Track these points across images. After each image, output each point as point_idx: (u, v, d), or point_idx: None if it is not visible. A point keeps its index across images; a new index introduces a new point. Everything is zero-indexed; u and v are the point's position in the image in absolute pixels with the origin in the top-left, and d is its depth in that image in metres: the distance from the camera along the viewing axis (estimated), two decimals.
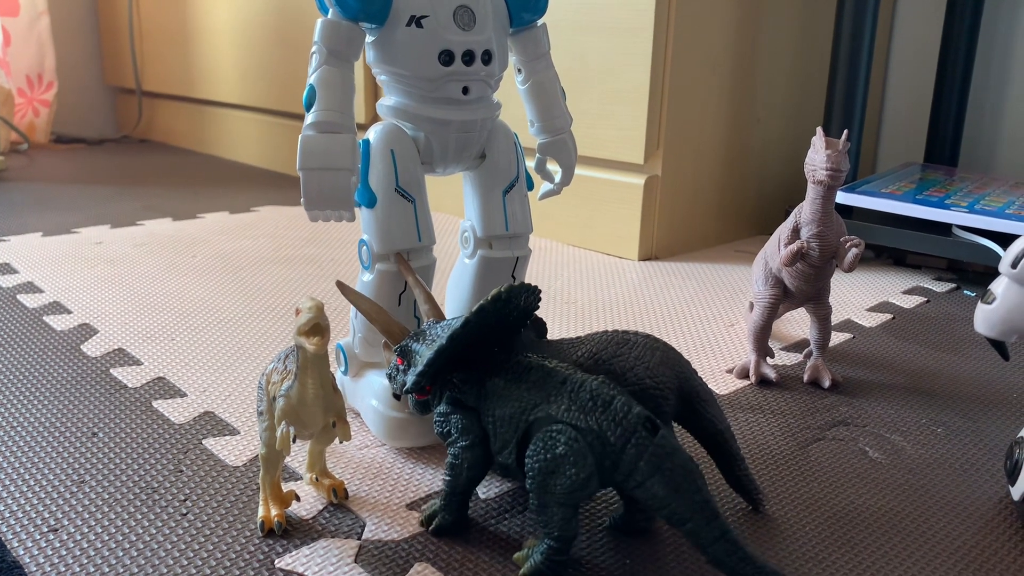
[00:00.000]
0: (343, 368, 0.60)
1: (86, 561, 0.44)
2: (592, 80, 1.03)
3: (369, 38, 0.53)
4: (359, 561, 0.44)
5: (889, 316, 0.85)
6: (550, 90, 0.60)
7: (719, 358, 0.73)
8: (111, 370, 0.68)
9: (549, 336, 0.73)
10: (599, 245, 1.08)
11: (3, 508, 0.48)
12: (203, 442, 0.57)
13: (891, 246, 0.99)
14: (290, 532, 0.47)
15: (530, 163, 0.62)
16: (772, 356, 0.70)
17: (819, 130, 0.64)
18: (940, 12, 1.22)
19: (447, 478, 0.45)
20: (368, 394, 0.57)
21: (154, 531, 0.46)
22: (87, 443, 0.56)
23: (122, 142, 2.01)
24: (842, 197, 1.00)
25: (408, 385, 0.45)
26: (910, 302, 0.90)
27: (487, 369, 0.44)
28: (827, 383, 0.67)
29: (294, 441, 0.44)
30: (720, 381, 0.68)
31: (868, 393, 0.67)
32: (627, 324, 0.81)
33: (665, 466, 0.39)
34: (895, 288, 0.95)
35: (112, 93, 2.12)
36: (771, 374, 0.68)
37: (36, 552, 0.45)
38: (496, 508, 0.49)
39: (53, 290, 0.88)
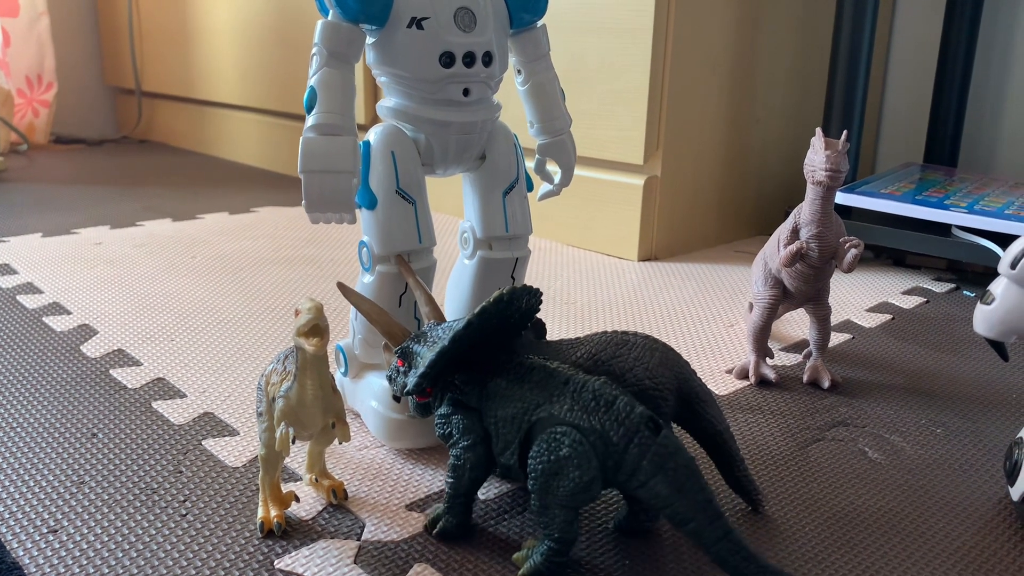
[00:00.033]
0: (343, 369, 0.60)
1: (86, 562, 0.44)
2: (592, 80, 1.03)
3: (369, 39, 0.53)
4: (359, 562, 0.44)
5: (888, 317, 0.85)
6: (550, 91, 0.60)
7: (718, 359, 0.73)
8: (111, 371, 0.68)
9: (548, 337, 0.73)
10: (599, 246, 1.08)
11: (3, 509, 0.49)
12: (203, 443, 0.57)
13: (890, 246, 0.99)
14: (290, 533, 0.47)
15: (529, 164, 0.62)
16: (772, 357, 0.70)
17: (818, 131, 0.64)
18: (940, 12, 1.22)
19: (450, 480, 0.45)
20: (368, 395, 0.57)
21: (154, 532, 0.47)
22: (87, 444, 0.56)
23: (122, 143, 2.02)
24: (841, 197, 1.00)
25: (409, 386, 0.45)
26: (909, 303, 0.90)
27: (489, 370, 0.44)
28: (826, 384, 0.67)
29: (293, 442, 0.44)
30: (719, 382, 0.68)
31: (867, 394, 0.67)
32: (627, 325, 0.81)
33: (668, 466, 0.39)
34: (894, 289, 0.95)
35: (112, 93, 2.12)
36: (770, 375, 0.68)
37: (36, 553, 0.45)
38: (495, 509, 0.50)
39: (53, 291, 0.88)
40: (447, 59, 0.52)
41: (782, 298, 0.68)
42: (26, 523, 0.47)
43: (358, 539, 0.46)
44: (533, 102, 0.60)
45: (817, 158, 0.63)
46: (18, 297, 0.86)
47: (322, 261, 1.01)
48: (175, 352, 0.72)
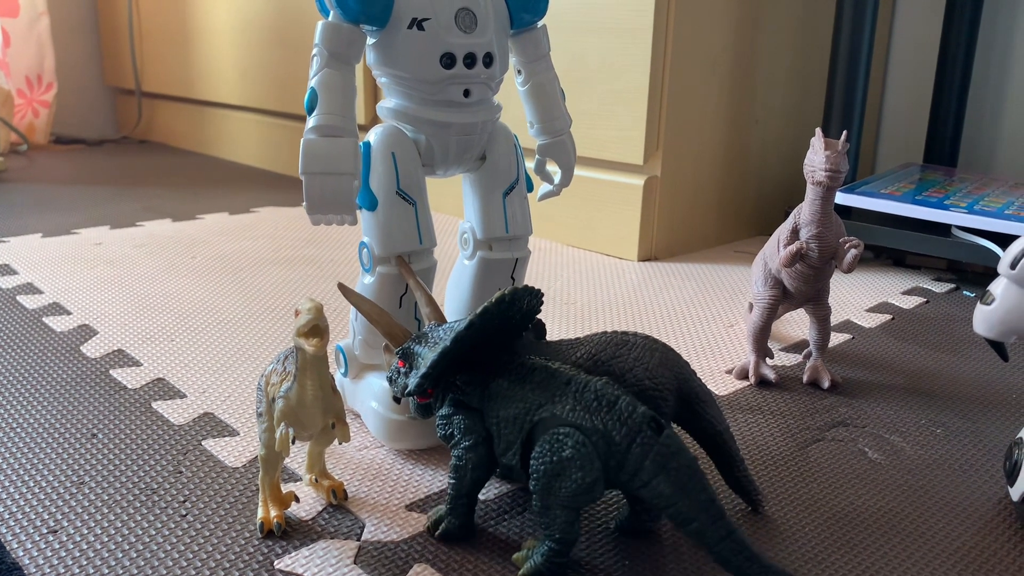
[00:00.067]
0: (343, 370, 0.60)
1: (86, 562, 0.44)
2: (592, 80, 1.03)
3: (370, 40, 0.53)
4: (358, 562, 0.44)
5: (888, 317, 0.85)
6: (550, 91, 0.60)
7: (718, 359, 0.73)
8: (111, 371, 0.68)
9: (548, 337, 0.73)
10: (598, 246, 1.08)
11: (3, 509, 0.49)
12: (202, 443, 0.57)
13: (890, 247, 0.99)
14: (289, 533, 0.47)
15: (529, 164, 0.62)
16: (771, 357, 0.70)
17: (818, 131, 0.64)
18: (940, 12, 1.22)
19: (452, 481, 0.45)
20: (368, 396, 0.57)
21: (153, 532, 0.47)
22: (87, 444, 0.56)
23: (122, 143, 2.02)
24: (841, 198, 1.00)
25: (411, 387, 0.45)
26: (909, 303, 0.90)
27: (490, 371, 0.44)
28: (826, 384, 0.67)
29: (293, 442, 0.44)
30: (719, 382, 0.68)
31: (867, 394, 0.67)
32: (626, 325, 0.81)
33: (671, 465, 0.39)
34: (894, 289, 0.95)
35: (112, 94, 2.12)
36: (770, 375, 0.68)
37: (36, 553, 0.45)
38: (496, 509, 0.50)
39: (53, 291, 0.88)
40: (448, 60, 0.52)
41: (782, 298, 0.68)
42: (26, 523, 0.47)
43: (358, 539, 0.46)
44: (533, 102, 0.60)
45: (817, 158, 0.63)
46: (18, 297, 0.86)
47: (322, 261, 1.01)
48: (175, 352, 0.72)
